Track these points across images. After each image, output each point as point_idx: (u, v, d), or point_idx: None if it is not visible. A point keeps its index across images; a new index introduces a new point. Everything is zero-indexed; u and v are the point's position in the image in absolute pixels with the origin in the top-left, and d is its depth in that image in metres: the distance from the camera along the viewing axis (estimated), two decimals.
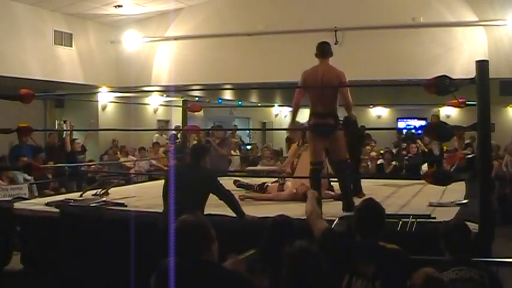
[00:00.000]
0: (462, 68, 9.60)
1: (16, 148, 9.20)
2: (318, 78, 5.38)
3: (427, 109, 15.52)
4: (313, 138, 5.46)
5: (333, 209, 5.39)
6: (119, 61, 12.62)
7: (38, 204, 5.99)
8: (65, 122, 10.43)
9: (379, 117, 19.35)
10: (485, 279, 2.95)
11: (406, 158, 10.34)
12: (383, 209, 3.23)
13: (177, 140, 10.70)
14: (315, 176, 5.40)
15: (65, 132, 10.13)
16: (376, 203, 3.28)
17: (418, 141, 10.62)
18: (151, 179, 8.87)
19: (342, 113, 5.45)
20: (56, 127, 12.39)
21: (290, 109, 20.57)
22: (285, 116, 21.24)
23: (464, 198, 5.63)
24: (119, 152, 11.29)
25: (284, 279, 2.61)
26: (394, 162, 10.45)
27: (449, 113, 16.15)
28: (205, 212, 4.49)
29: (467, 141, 10.53)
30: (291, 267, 2.61)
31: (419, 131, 11.41)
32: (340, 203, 5.53)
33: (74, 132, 10.88)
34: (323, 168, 5.82)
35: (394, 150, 11.32)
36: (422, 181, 5.07)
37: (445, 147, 10.43)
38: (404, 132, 12.84)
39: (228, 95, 16.49)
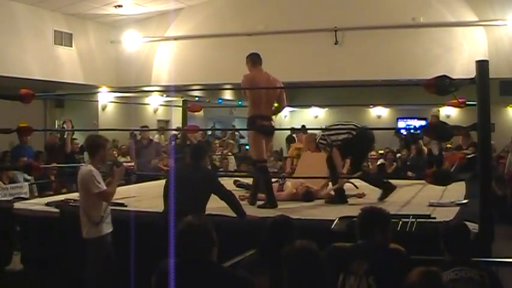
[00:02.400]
0: (462, 68, 9.60)
1: (17, 148, 9.20)
2: (267, 83, 5.82)
3: (427, 109, 15.50)
4: (259, 138, 5.80)
5: (333, 209, 5.41)
6: (118, 61, 12.63)
7: (38, 204, 5.98)
8: (65, 121, 10.41)
9: (379, 117, 19.34)
10: (485, 279, 2.95)
11: (409, 159, 10.32)
12: (386, 213, 3.28)
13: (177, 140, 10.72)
14: (264, 172, 5.80)
15: (66, 132, 10.13)
16: (378, 208, 3.34)
17: (421, 141, 10.59)
18: (151, 179, 8.85)
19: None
20: (56, 127, 12.38)
21: (290, 109, 20.67)
22: (285, 116, 21.24)
23: (464, 198, 5.63)
24: (115, 152, 11.26)
25: (284, 279, 2.61)
26: (395, 163, 10.43)
27: (449, 113, 16.14)
28: (205, 212, 4.50)
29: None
30: (291, 266, 2.61)
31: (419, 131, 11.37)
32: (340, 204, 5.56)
33: (74, 132, 10.87)
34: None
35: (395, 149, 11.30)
36: (423, 181, 5.08)
37: (448, 145, 10.39)
38: (404, 134, 12.78)
39: (228, 95, 16.49)
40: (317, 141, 6.15)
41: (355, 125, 6.02)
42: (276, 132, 6.24)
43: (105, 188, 4.48)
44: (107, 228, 4.57)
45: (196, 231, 2.57)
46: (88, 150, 4.78)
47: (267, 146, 5.93)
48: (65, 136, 9.90)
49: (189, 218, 2.65)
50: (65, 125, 10.10)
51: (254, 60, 5.97)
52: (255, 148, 5.82)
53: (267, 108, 5.78)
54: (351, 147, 5.94)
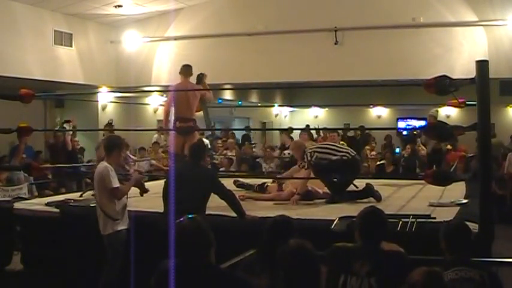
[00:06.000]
0: (462, 68, 9.59)
1: (16, 148, 9.19)
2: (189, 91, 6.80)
3: (427, 109, 15.50)
4: (177, 136, 6.82)
5: (333, 209, 5.41)
6: (118, 61, 12.62)
7: (38, 204, 5.99)
8: (67, 121, 10.43)
9: (379, 117, 19.36)
10: (486, 279, 2.95)
11: (403, 159, 10.33)
12: (384, 214, 3.28)
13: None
14: None
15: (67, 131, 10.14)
16: (378, 209, 3.33)
17: (419, 140, 10.59)
18: (151, 179, 8.85)
19: None
20: (57, 127, 12.36)
21: (290, 109, 20.66)
22: (285, 116, 21.24)
23: (464, 198, 5.63)
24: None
25: (280, 278, 2.61)
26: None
27: (449, 113, 16.14)
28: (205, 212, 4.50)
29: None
30: (286, 266, 2.61)
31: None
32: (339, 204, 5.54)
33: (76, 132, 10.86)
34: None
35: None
36: (422, 181, 5.08)
37: (449, 146, 10.37)
38: (404, 134, 12.79)
39: (228, 95, 16.49)
40: (305, 153, 6.09)
41: (350, 152, 6.20)
42: (276, 132, 6.29)
43: (118, 185, 4.68)
44: (123, 224, 4.71)
45: (192, 234, 2.56)
46: (105, 149, 4.94)
47: (188, 141, 6.54)
48: (66, 135, 9.90)
49: (183, 221, 2.63)
50: (65, 125, 10.10)
51: (188, 71, 7.20)
52: (174, 145, 6.61)
53: (187, 111, 6.84)
54: (340, 169, 5.96)
